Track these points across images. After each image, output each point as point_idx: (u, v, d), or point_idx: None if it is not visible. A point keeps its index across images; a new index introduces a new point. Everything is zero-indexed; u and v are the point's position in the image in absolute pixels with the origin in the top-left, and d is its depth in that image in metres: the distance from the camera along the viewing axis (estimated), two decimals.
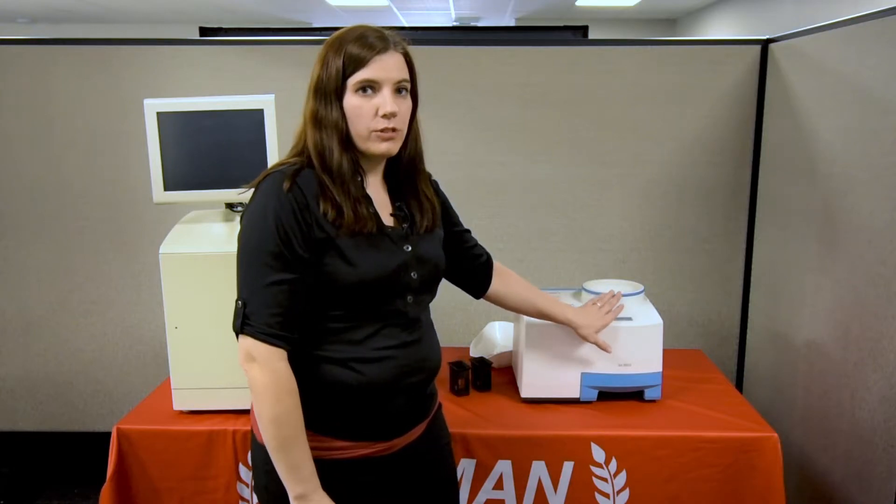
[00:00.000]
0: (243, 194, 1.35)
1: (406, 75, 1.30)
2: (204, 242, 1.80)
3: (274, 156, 1.83)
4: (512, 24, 11.11)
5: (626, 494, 1.78)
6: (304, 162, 1.31)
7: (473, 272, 1.64)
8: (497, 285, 1.67)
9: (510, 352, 2.15)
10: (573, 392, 1.90)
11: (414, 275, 1.35)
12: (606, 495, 1.78)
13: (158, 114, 1.81)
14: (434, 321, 1.47)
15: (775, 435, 1.76)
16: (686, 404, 1.92)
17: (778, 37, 2.39)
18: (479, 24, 11.10)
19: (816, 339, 2.09)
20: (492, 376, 2.05)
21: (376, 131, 1.28)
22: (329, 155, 1.28)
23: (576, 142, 2.54)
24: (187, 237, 1.82)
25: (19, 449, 2.77)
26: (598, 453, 1.77)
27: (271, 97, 1.82)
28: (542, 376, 1.90)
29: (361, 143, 1.29)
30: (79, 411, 2.74)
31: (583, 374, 1.88)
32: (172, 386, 1.84)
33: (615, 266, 2.61)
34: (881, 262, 1.79)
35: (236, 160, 1.83)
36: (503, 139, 2.54)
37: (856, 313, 1.89)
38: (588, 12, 10.16)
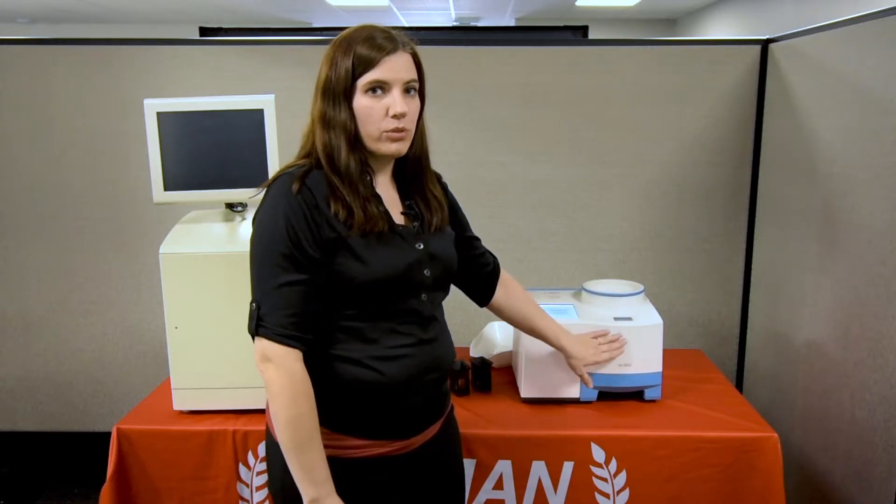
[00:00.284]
0: (253, 197, 1.36)
1: (415, 75, 1.31)
2: (204, 242, 1.80)
3: (274, 156, 1.83)
4: (512, 24, 11.11)
5: (626, 494, 1.78)
6: (312, 163, 1.31)
7: (478, 280, 1.64)
8: (499, 296, 1.67)
9: (510, 352, 2.15)
10: (573, 392, 1.90)
11: (427, 272, 1.35)
12: (606, 495, 1.78)
13: (158, 114, 1.81)
14: None
15: (775, 435, 1.75)
16: (686, 404, 1.92)
17: (778, 37, 2.39)
18: (479, 24, 11.10)
19: (816, 339, 2.09)
20: (492, 376, 2.05)
21: (387, 132, 1.28)
22: (337, 155, 1.28)
23: (576, 142, 2.54)
24: (187, 237, 1.82)
25: (19, 449, 2.77)
26: (598, 453, 1.77)
27: (271, 97, 1.82)
28: (542, 376, 1.90)
29: (371, 144, 1.30)
30: (79, 411, 2.74)
31: None
32: (172, 386, 1.84)
33: (615, 266, 2.61)
34: (881, 262, 1.79)
35: (236, 160, 1.83)
36: (503, 139, 2.54)
37: (856, 313, 1.89)
38: (588, 12, 10.16)
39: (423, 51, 1.36)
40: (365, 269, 1.27)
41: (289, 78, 2.51)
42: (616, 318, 1.89)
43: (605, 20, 11.03)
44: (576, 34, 5.25)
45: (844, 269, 1.95)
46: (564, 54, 2.50)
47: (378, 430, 1.34)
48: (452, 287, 1.63)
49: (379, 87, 1.27)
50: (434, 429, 1.43)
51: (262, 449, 1.80)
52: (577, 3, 9.14)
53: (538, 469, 1.78)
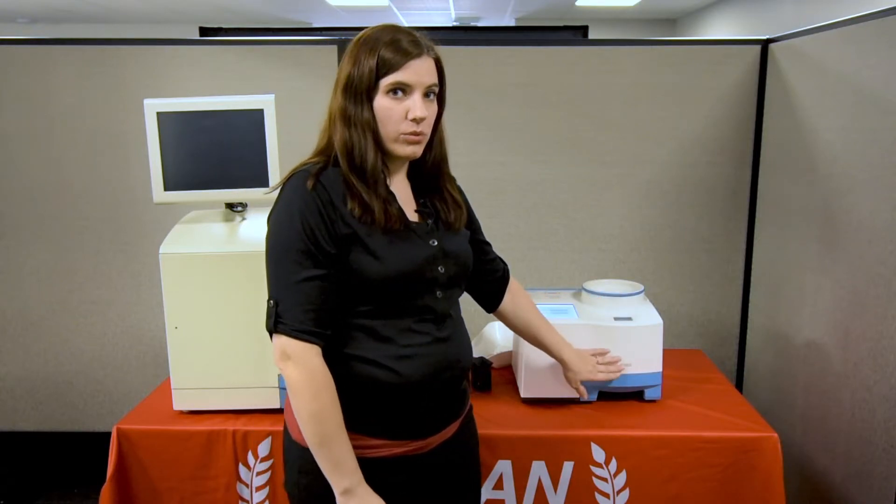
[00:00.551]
0: (268, 194, 1.38)
1: (436, 80, 1.32)
2: (204, 242, 1.80)
3: (274, 156, 1.83)
4: (512, 24, 11.11)
5: (626, 494, 1.78)
6: (326, 160, 1.32)
7: (488, 285, 1.63)
8: (507, 303, 1.67)
9: (510, 352, 2.15)
10: (573, 392, 1.90)
11: (441, 269, 1.35)
12: (606, 495, 1.78)
13: (158, 114, 1.81)
14: None
15: (775, 435, 1.76)
16: (686, 404, 1.92)
17: (778, 37, 2.39)
18: (479, 24, 11.10)
19: (816, 339, 2.09)
20: (492, 376, 2.05)
21: (404, 134, 1.29)
22: (359, 153, 1.29)
23: (576, 142, 2.54)
24: (187, 237, 1.82)
25: (19, 449, 2.77)
26: (598, 453, 1.77)
27: (271, 97, 1.82)
28: (542, 376, 1.90)
29: (388, 144, 1.31)
30: (79, 411, 2.74)
31: None
32: (172, 386, 1.84)
33: (615, 266, 2.61)
34: (881, 262, 1.79)
35: (236, 160, 1.83)
36: (503, 139, 2.54)
37: (856, 313, 1.89)
38: (588, 12, 10.16)
39: None
40: (379, 266, 1.27)
41: (289, 78, 2.51)
42: (616, 318, 1.89)
43: (605, 20, 11.04)
44: (576, 34, 5.26)
45: (844, 269, 1.95)
46: (564, 54, 2.50)
47: (394, 429, 1.34)
48: None
49: (400, 89, 1.28)
50: (452, 429, 1.43)
51: (262, 449, 1.80)
52: (577, 3, 9.14)
53: (538, 469, 1.78)
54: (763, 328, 2.49)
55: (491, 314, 1.68)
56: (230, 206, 1.92)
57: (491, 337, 2.22)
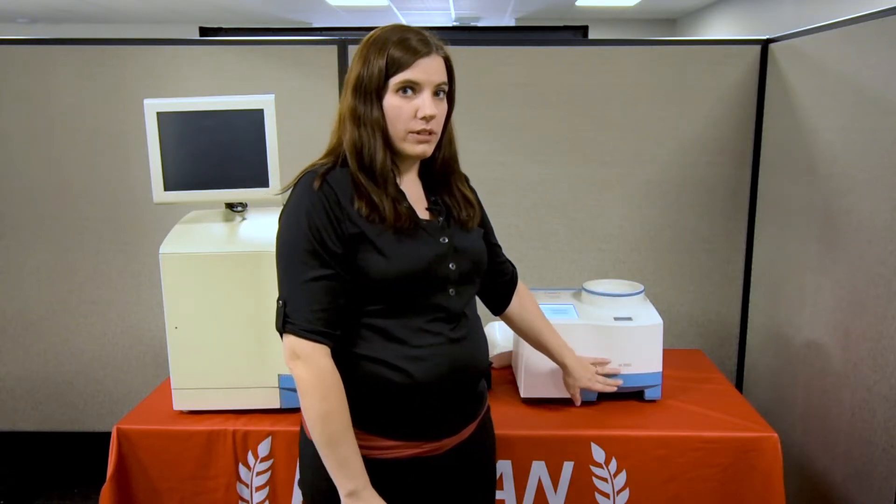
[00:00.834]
0: (279, 194, 1.40)
1: (445, 79, 1.32)
2: (204, 242, 1.80)
3: (274, 156, 1.83)
4: (512, 24, 11.11)
5: (626, 494, 1.78)
6: (335, 160, 1.32)
7: (496, 287, 1.63)
8: (514, 306, 1.67)
9: (510, 352, 2.15)
10: None
11: (452, 266, 1.35)
12: (606, 495, 1.78)
13: (158, 114, 1.81)
14: None
15: (775, 435, 1.76)
16: (686, 404, 1.92)
17: (778, 37, 2.39)
18: (479, 24, 11.10)
19: (816, 339, 2.09)
20: (492, 376, 2.05)
21: (413, 132, 1.29)
22: (368, 152, 1.29)
23: (576, 142, 2.54)
24: (187, 237, 1.82)
25: (19, 449, 2.77)
26: (598, 453, 1.77)
27: (271, 97, 1.82)
28: (542, 376, 1.90)
29: (397, 143, 1.31)
30: (79, 411, 2.74)
31: None
32: (172, 386, 1.84)
33: (615, 266, 2.61)
34: (881, 262, 1.79)
35: (236, 160, 1.83)
36: (503, 139, 2.54)
37: (856, 313, 1.89)
38: (588, 12, 10.16)
39: None
40: (387, 264, 1.27)
41: (289, 78, 2.51)
42: (616, 318, 1.89)
43: (605, 20, 11.03)
44: (576, 34, 5.26)
45: (844, 269, 1.95)
46: (564, 54, 2.50)
47: (407, 431, 1.33)
48: None
49: (410, 88, 1.28)
50: (467, 431, 1.42)
51: (262, 449, 1.80)
52: (577, 3, 9.14)
53: (538, 469, 1.78)
54: (763, 328, 2.49)
55: (489, 311, 1.68)
56: (230, 206, 1.92)
57: (491, 337, 2.22)
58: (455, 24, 10.81)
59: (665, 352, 1.92)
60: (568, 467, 1.78)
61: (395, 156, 1.33)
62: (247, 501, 1.82)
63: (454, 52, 1.35)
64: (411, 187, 1.38)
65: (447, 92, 1.34)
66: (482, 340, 1.45)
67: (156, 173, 1.83)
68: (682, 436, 1.76)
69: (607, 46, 2.50)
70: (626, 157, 2.54)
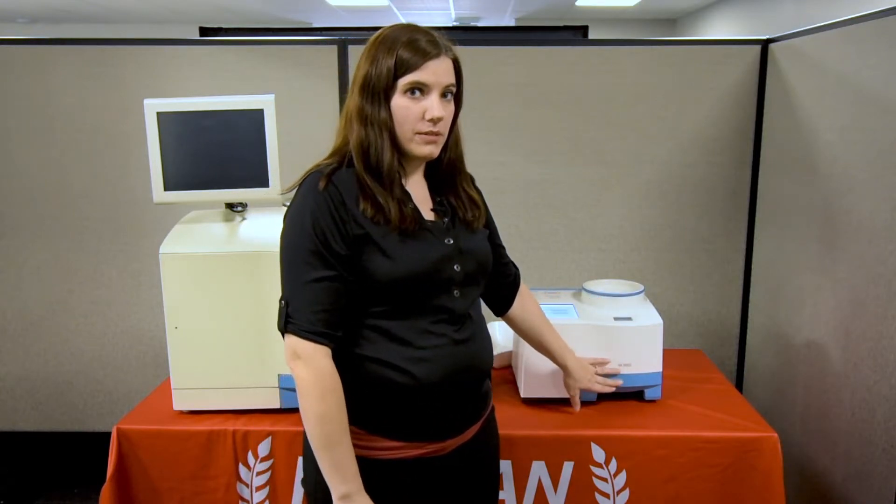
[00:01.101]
0: (284, 193, 1.40)
1: (453, 80, 1.33)
2: (204, 242, 1.80)
3: (274, 156, 1.83)
4: (512, 24, 11.11)
5: (626, 494, 1.78)
6: (340, 161, 1.32)
7: (499, 289, 1.63)
8: (516, 307, 1.67)
9: (510, 352, 2.15)
10: None
11: (457, 267, 1.34)
12: (606, 495, 1.78)
13: (158, 114, 1.81)
14: None
15: (775, 435, 1.76)
16: (686, 404, 1.92)
17: (778, 37, 2.39)
18: (479, 24, 11.10)
19: (816, 339, 2.09)
20: (492, 376, 2.04)
21: (420, 133, 1.29)
22: (375, 152, 1.29)
23: (576, 142, 2.54)
24: (187, 237, 1.82)
25: (19, 449, 2.77)
26: (598, 453, 1.77)
27: (271, 97, 1.82)
28: (542, 376, 1.90)
29: (404, 144, 1.31)
30: (79, 411, 2.74)
31: None
32: (172, 386, 1.84)
33: (615, 266, 2.61)
34: (881, 262, 1.79)
35: (236, 160, 1.83)
36: (503, 139, 2.54)
37: (856, 313, 1.89)
38: (588, 12, 10.16)
39: None
40: (392, 265, 1.27)
41: (289, 78, 2.51)
42: (616, 318, 1.89)
43: (605, 20, 11.03)
44: (576, 34, 5.26)
45: (844, 269, 1.95)
46: (564, 54, 2.50)
47: (410, 431, 1.33)
48: None
49: (418, 89, 1.28)
50: (471, 431, 1.42)
51: (262, 449, 1.80)
52: (577, 3, 9.14)
53: (538, 469, 1.78)
54: (763, 328, 2.49)
55: (489, 311, 1.68)
56: (230, 206, 1.92)
57: (491, 337, 2.22)
58: (455, 24, 10.81)
59: (665, 352, 1.92)
60: (568, 467, 1.78)
61: (402, 156, 1.33)
62: (247, 501, 1.82)
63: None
64: (417, 188, 1.37)
65: (455, 93, 1.34)
66: (486, 341, 1.45)
67: (156, 173, 1.83)
68: (682, 436, 1.76)
69: (607, 46, 2.50)
70: (626, 157, 2.55)
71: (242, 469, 1.80)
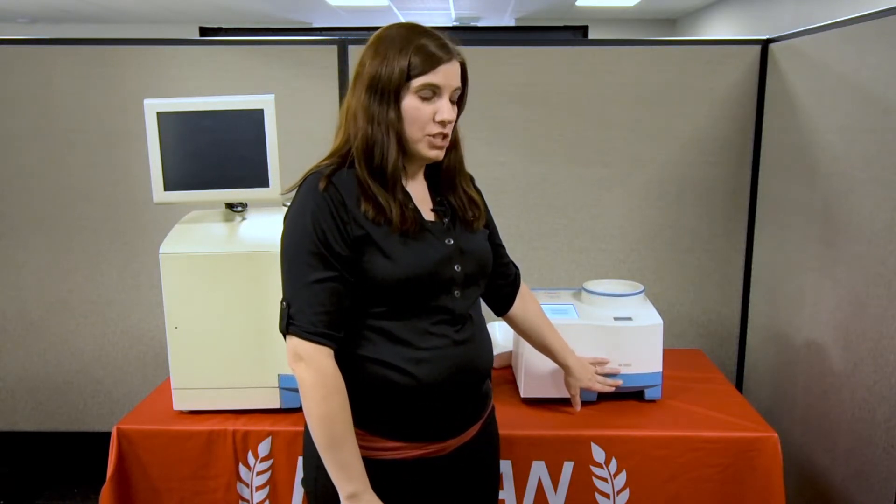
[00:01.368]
0: (285, 194, 1.40)
1: (460, 84, 1.33)
2: (204, 242, 1.80)
3: (274, 156, 1.83)
4: (512, 24, 11.11)
5: (626, 494, 1.78)
6: (341, 161, 1.31)
7: (500, 289, 1.63)
8: (517, 307, 1.67)
9: (510, 352, 2.15)
10: None
11: (458, 268, 1.34)
12: (606, 495, 1.78)
13: (158, 114, 1.81)
14: None
15: (775, 435, 1.76)
16: (686, 404, 1.92)
17: (778, 37, 2.39)
18: (479, 24, 11.10)
19: (816, 339, 2.09)
20: (492, 376, 2.04)
21: (429, 136, 1.30)
22: (380, 152, 1.28)
23: (576, 142, 2.54)
24: (187, 237, 1.82)
25: (19, 449, 2.77)
26: (598, 453, 1.77)
27: (271, 97, 1.82)
28: (542, 376, 1.90)
29: (412, 145, 1.31)
30: (79, 411, 2.74)
31: None
32: (172, 386, 1.84)
33: (615, 266, 2.61)
34: (881, 262, 1.79)
35: (236, 160, 1.83)
36: (503, 139, 2.54)
37: (856, 313, 1.89)
38: (588, 12, 10.16)
39: None
40: (393, 266, 1.27)
41: (289, 78, 2.51)
42: (616, 318, 1.89)
43: (605, 20, 11.03)
44: (576, 34, 5.26)
45: (844, 269, 1.95)
46: (564, 54, 2.50)
47: (411, 432, 1.33)
48: None
49: (431, 91, 1.28)
50: (472, 431, 1.42)
51: (262, 449, 1.80)
52: (577, 3, 9.13)
53: (538, 469, 1.78)
54: (763, 328, 2.49)
55: (489, 311, 1.68)
56: (230, 206, 1.92)
57: (491, 337, 2.22)
58: (455, 24, 10.81)
59: (665, 352, 1.92)
60: (568, 467, 1.78)
61: (405, 157, 1.33)
62: (247, 501, 1.82)
63: None
64: (417, 188, 1.38)
65: (460, 96, 1.35)
66: (487, 342, 1.45)
67: (156, 173, 1.83)
68: (682, 436, 1.76)
69: (607, 46, 2.50)
70: (626, 157, 2.55)
71: (242, 469, 1.80)
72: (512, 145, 2.55)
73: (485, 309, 1.69)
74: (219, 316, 1.79)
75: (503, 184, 2.57)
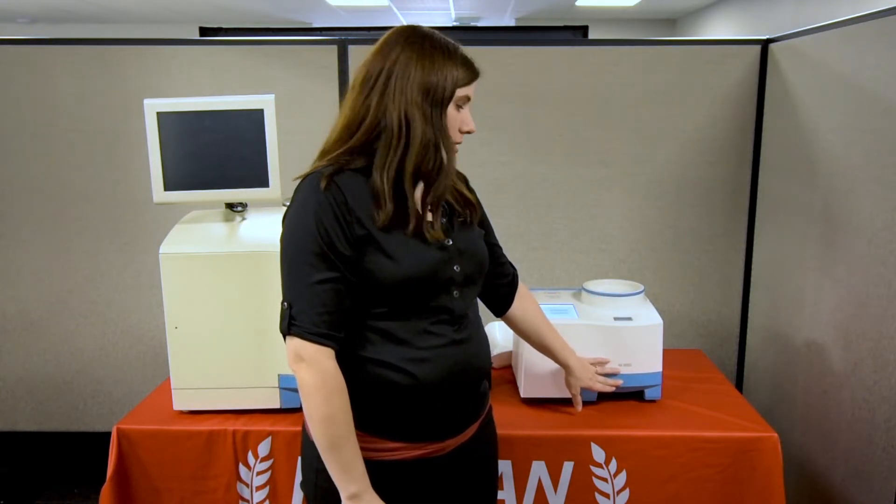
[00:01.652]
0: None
1: None
2: (204, 242, 1.80)
3: (274, 156, 1.83)
4: (512, 24, 11.11)
5: (626, 494, 1.78)
6: (345, 161, 1.29)
7: (498, 289, 1.63)
8: (516, 308, 1.67)
9: (510, 352, 2.15)
10: None
11: (457, 268, 1.35)
12: (606, 495, 1.78)
13: (158, 114, 1.81)
14: None
15: (775, 435, 1.76)
16: (686, 404, 1.92)
17: (778, 37, 2.39)
18: (479, 24, 11.10)
19: (816, 339, 2.09)
20: (492, 376, 2.04)
21: (456, 143, 1.34)
22: (437, 154, 1.29)
23: (576, 142, 2.54)
24: (187, 237, 1.82)
25: (19, 449, 2.77)
26: (598, 453, 1.77)
27: (271, 97, 1.82)
28: (542, 376, 1.90)
29: (446, 153, 1.32)
30: (79, 411, 2.74)
31: None
32: (172, 386, 1.84)
33: (615, 266, 2.61)
34: (881, 263, 1.79)
35: (236, 160, 1.83)
36: (503, 139, 2.54)
37: (856, 313, 1.89)
38: (588, 12, 10.16)
39: None
40: (395, 267, 1.27)
41: (289, 78, 2.51)
42: (616, 318, 1.89)
43: (605, 20, 11.04)
44: (576, 34, 5.26)
45: (844, 269, 1.95)
46: (564, 54, 2.50)
47: (411, 432, 1.33)
48: None
49: (465, 102, 1.33)
50: (470, 431, 1.42)
51: (262, 449, 1.80)
52: (577, 3, 9.14)
53: (538, 469, 1.78)
54: (763, 328, 2.49)
55: (489, 311, 1.68)
56: (230, 206, 1.92)
57: (491, 337, 2.22)
58: (455, 24, 10.81)
59: (665, 352, 1.92)
60: (568, 467, 1.78)
61: None
62: (247, 501, 1.82)
63: None
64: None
65: None
66: (484, 341, 1.45)
67: (156, 173, 1.83)
68: (682, 436, 1.76)
69: (607, 46, 2.50)
70: (626, 157, 2.55)
71: (242, 469, 1.80)
72: (512, 145, 2.55)
73: (484, 309, 1.69)
74: (219, 316, 1.79)
75: (503, 184, 2.57)
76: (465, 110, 1.34)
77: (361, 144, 1.29)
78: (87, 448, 2.71)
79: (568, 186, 2.57)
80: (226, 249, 1.78)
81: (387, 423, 1.32)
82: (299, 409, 1.33)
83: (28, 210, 2.61)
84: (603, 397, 1.91)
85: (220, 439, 1.79)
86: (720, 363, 2.61)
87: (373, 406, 1.31)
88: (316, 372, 1.24)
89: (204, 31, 4.74)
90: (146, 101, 1.82)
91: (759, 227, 2.52)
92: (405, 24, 1.37)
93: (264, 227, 1.85)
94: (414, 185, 1.29)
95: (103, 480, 1.77)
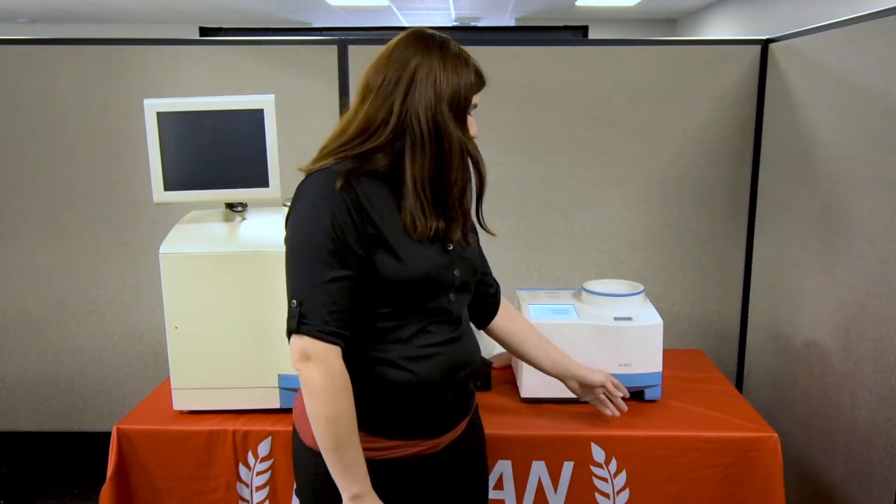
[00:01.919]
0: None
1: None
2: (204, 242, 1.80)
3: (274, 156, 1.83)
4: (512, 24, 11.11)
5: (626, 494, 1.78)
6: (358, 163, 1.28)
7: (481, 299, 1.62)
8: (501, 321, 1.66)
9: None
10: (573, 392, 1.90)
11: (456, 272, 1.36)
12: (606, 495, 1.78)
13: (158, 114, 1.81)
14: None
15: (775, 435, 1.75)
16: (686, 404, 1.92)
17: (778, 37, 2.39)
18: (479, 24, 11.10)
19: (816, 339, 2.09)
20: (492, 376, 2.05)
21: None
22: (463, 162, 1.32)
23: (576, 142, 2.54)
24: (187, 237, 1.82)
25: (19, 449, 2.77)
26: (598, 453, 1.77)
27: (271, 97, 1.82)
28: (542, 376, 1.89)
29: None
30: (79, 411, 2.74)
31: None
32: (172, 386, 1.84)
33: (615, 266, 2.61)
34: (881, 262, 1.79)
35: (236, 160, 1.83)
36: (503, 139, 2.54)
37: (856, 313, 1.89)
38: (588, 12, 10.16)
39: None
40: (402, 267, 1.27)
41: (289, 78, 2.51)
42: (616, 318, 1.89)
43: (605, 20, 11.03)
44: (576, 34, 5.27)
45: (844, 269, 1.95)
46: (564, 54, 2.50)
47: (410, 429, 1.34)
48: None
49: (473, 109, 1.35)
50: (461, 427, 1.44)
51: (262, 449, 1.80)
52: (577, 3, 9.13)
53: (538, 469, 1.78)
54: (763, 328, 2.49)
55: (480, 330, 1.67)
56: (230, 206, 1.92)
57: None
58: (455, 24, 10.81)
59: (665, 352, 1.92)
60: (568, 467, 1.78)
61: None
62: (247, 501, 1.82)
63: None
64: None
65: None
66: (474, 339, 1.48)
67: (156, 173, 1.83)
68: (682, 436, 1.76)
69: (607, 46, 2.50)
70: (626, 157, 2.55)
71: (242, 469, 1.80)
72: (511, 145, 2.55)
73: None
74: (219, 316, 1.79)
75: (503, 184, 2.57)
76: (472, 116, 1.36)
77: (383, 145, 1.28)
78: (87, 448, 2.71)
79: (568, 186, 2.57)
80: (226, 249, 1.78)
81: (386, 421, 1.33)
82: (307, 412, 1.32)
83: (28, 210, 2.61)
84: None
85: (219, 439, 1.79)
86: (720, 363, 2.61)
87: (374, 405, 1.32)
88: (324, 371, 1.23)
89: (204, 31, 4.75)
90: (146, 101, 1.82)
91: (759, 227, 2.52)
92: (411, 27, 1.37)
93: (264, 227, 1.85)
94: (450, 190, 1.31)
95: (103, 480, 1.77)
